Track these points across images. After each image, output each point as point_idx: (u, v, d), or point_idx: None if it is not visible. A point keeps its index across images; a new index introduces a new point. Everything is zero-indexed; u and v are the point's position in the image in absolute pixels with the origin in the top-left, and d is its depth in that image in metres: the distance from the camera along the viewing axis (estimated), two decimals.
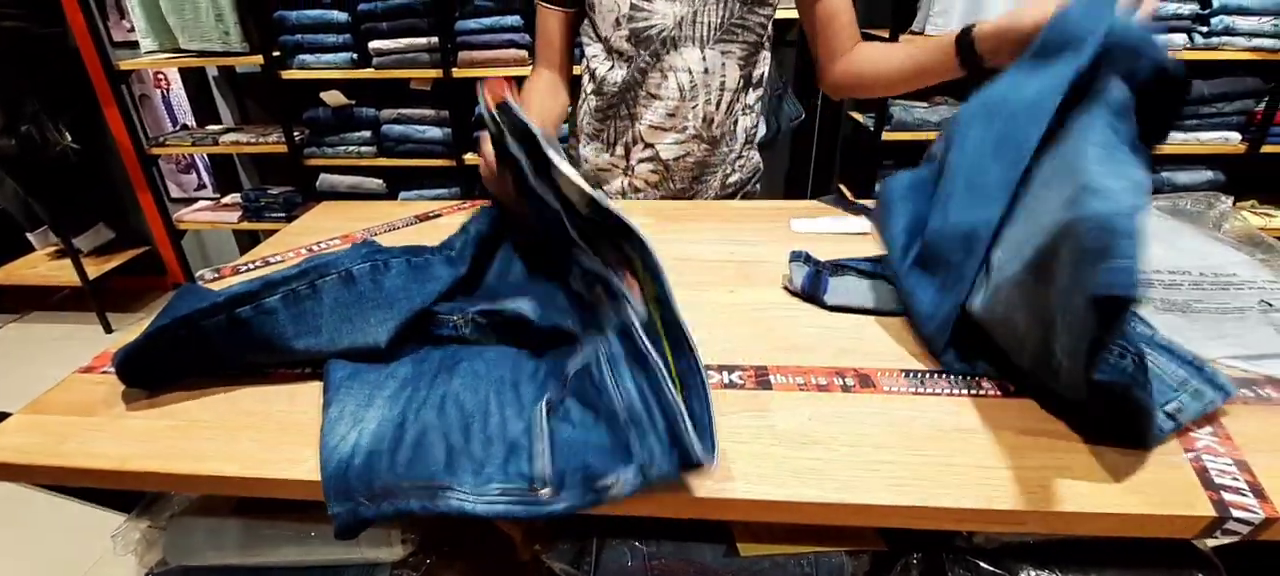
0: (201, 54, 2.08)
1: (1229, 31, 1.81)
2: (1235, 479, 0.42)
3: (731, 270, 0.73)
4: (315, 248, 0.83)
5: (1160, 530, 0.41)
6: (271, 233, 1.00)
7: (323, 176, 2.22)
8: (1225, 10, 1.79)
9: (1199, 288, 0.63)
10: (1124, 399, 0.42)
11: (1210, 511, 0.40)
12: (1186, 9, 1.80)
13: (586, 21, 0.93)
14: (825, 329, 0.60)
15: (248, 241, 2.70)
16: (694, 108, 0.91)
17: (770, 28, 0.91)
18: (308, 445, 0.47)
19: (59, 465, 0.47)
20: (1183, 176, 2.07)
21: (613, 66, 0.91)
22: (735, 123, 0.96)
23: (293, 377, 0.56)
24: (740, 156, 0.99)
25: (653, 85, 0.90)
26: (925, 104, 2.00)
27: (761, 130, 2.03)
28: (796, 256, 0.68)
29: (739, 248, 0.78)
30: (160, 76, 2.50)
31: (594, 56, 0.94)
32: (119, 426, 0.50)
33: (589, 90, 0.96)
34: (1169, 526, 0.41)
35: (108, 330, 2.55)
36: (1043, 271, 0.44)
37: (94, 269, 2.50)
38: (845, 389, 0.52)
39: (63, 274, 2.53)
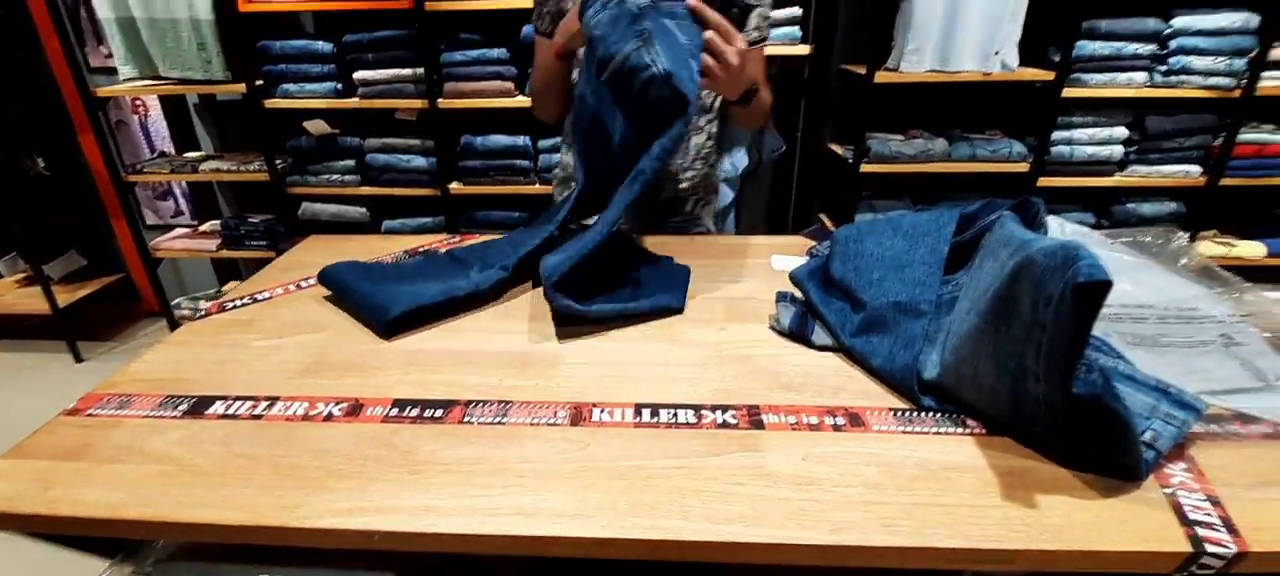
0: (182, 82, 2.06)
1: (1186, 71, 1.90)
2: (1208, 514, 0.44)
3: (719, 307, 0.74)
4: (302, 284, 0.83)
5: (1141, 566, 0.43)
6: (253, 260, 0.99)
7: (305, 205, 2.20)
8: (1182, 50, 1.88)
9: (1165, 321, 0.66)
10: (1100, 416, 0.44)
11: (1186, 547, 0.42)
12: (1146, 49, 1.90)
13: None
14: (813, 368, 0.62)
15: (226, 269, 2.66)
16: None
17: None
18: (304, 490, 0.47)
19: (46, 514, 0.46)
20: (1147, 207, 2.15)
21: None
22: (690, 138, 1.05)
23: (287, 420, 0.55)
24: (690, 168, 1.07)
25: None
26: (901, 137, 2.06)
27: (741, 161, 2.08)
28: (783, 297, 0.69)
29: (725, 285, 0.80)
30: (139, 103, 2.47)
31: (576, 78, 0.98)
32: (107, 472, 0.50)
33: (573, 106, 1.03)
34: (1149, 563, 0.43)
35: (78, 359, 2.47)
36: (1002, 314, 0.47)
37: (65, 297, 2.44)
38: (836, 428, 0.53)
39: (32, 302, 2.47)
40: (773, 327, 0.68)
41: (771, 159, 2.23)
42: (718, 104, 1.07)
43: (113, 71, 2.37)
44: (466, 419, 0.55)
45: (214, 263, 2.67)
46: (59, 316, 2.40)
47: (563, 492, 0.47)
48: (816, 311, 0.67)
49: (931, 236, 0.64)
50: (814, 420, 0.54)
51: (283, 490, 0.47)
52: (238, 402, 0.58)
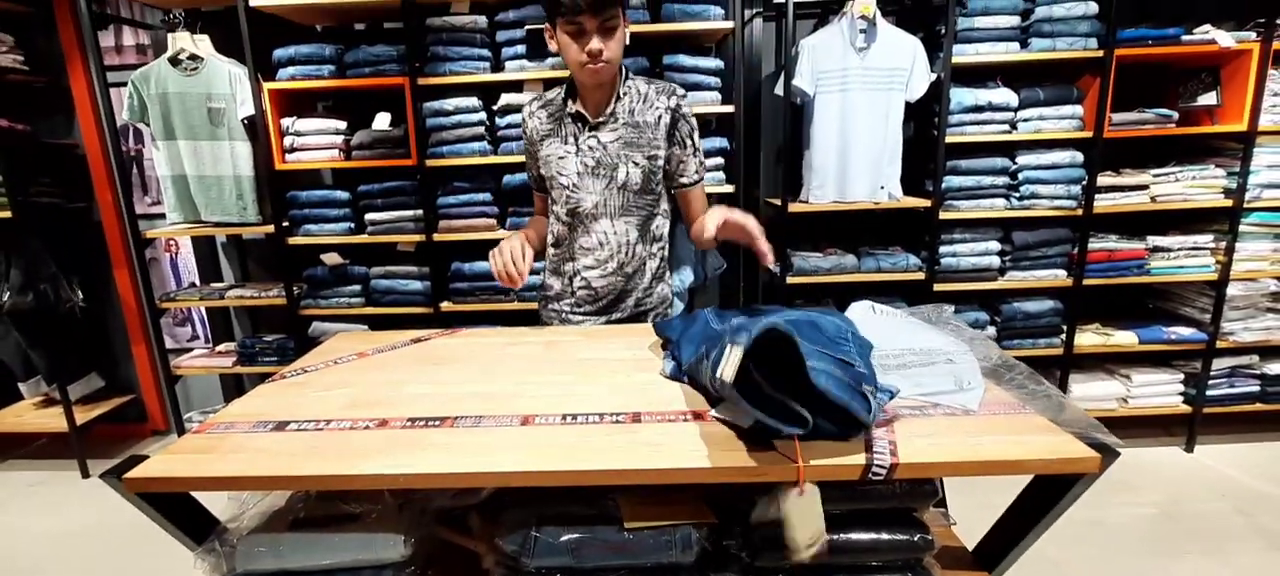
0: (219, 225, 2.47)
1: (1035, 195, 2.39)
2: (883, 448, 0.76)
3: (630, 365, 1.08)
4: (338, 361, 1.15)
5: (841, 474, 0.74)
6: (259, 375, 1.24)
7: (314, 324, 2.54)
8: (1028, 181, 2.38)
9: (917, 357, 1.00)
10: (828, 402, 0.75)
11: (862, 462, 0.74)
12: (1001, 181, 2.40)
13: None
14: (678, 395, 0.95)
15: (232, 386, 2.93)
16: (611, 254, 1.36)
17: (663, 203, 1.39)
18: (357, 460, 0.78)
19: (201, 476, 0.76)
20: (1031, 305, 2.55)
21: (561, 227, 1.39)
22: (643, 264, 1.40)
23: (340, 430, 0.86)
24: (649, 288, 1.42)
25: (583, 241, 1.37)
26: (820, 253, 2.50)
27: (687, 277, 2.49)
28: (666, 356, 1.04)
29: (638, 354, 1.14)
30: (171, 242, 2.87)
31: (551, 221, 1.41)
32: (231, 458, 0.80)
33: (550, 242, 1.44)
34: (845, 471, 0.74)
35: (85, 475, 2.66)
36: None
37: (81, 415, 2.68)
38: (685, 420, 0.85)
39: (46, 420, 2.70)
40: (661, 375, 1.02)
41: (715, 275, 2.64)
42: (664, 233, 1.44)
43: (153, 217, 2.79)
44: (455, 425, 0.87)
45: (222, 381, 2.95)
46: (76, 434, 2.62)
47: (516, 453, 0.78)
48: (680, 362, 1.00)
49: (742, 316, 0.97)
50: (672, 417, 0.86)
51: (343, 460, 0.78)
52: (306, 423, 0.89)
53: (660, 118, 1.34)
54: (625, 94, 1.34)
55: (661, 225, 1.41)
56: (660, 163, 1.34)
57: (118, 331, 2.95)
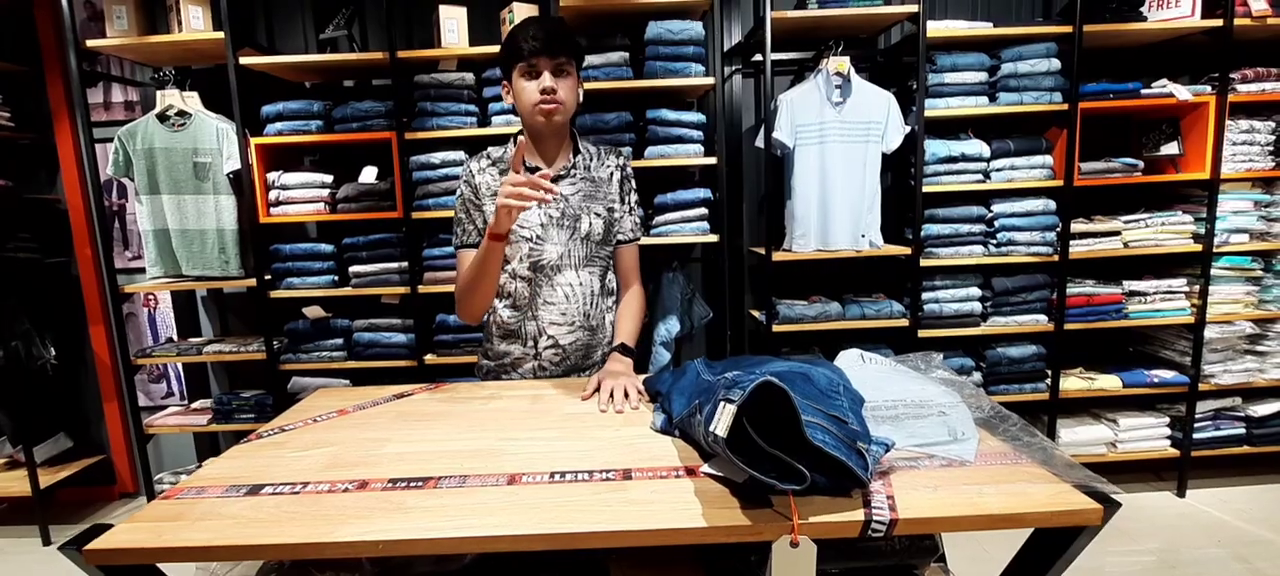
0: (200, 279, 2.43)
1: (1012, 243, 2.44)
2: (882, 503, 0.74)
3: (618, 419, 1.06)
4: (317, 419, 1.12)
5: (839, 532, 0.72)
6: (235, 433, 1.20)
7: (294, 379, 2.48)
8: (1005, 228, 2.43)
9: (908, 408, 0.99)
10: (826, 458, 0.74)
11: (861, 518, 0.72)
12: (978, 228, 2.45)
13: None
14: (669, 450, 0.93)
15: (206, 445, 2.83)
16: (578, 307, 1.36)
17: (611, 259, 1.43)
18: (333, 525, 0.74)
19: (168, 546, 0.72)
20: (1015, 350, 2.57)
21: (517, 284, 1.35)
22: (603, 317, 1.41)
23: (317, 493, 0.83)
24: (611, 340, 1.42)
25: (547, 294, 1.36)
26: (805, 302, 2.51)
27: (674, 327, 2.47)
28: (657, 408, 1.02)
29: (625, 407, 1.12)
30: (150, 297, 2.82)
31: (503, 280, 1.38)
32: (200, 525, 0.76)
33: (501, 304, 1.40)
34: (844, 529, 0.72)
35: (46, 542, 2.53)
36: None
37: (46, 478, 2.56)
38: (677, 476, 0.83)
39: (9, 484, 2.57)
40: (651, 428, 1.00)
41: (701, 324, 2.64)
42: (615, 288, 1.44)
43: (133, 271, 2.75)
44: (438, 486, 0.84)
45: (196, 439, 2.85)
46: (38, 498, 2.50)
47: (501, 515, 0.75)
48: (671, 415, 0.99)
49: (734, 369, 0.97)
50: (664, 474, 0.84)
51: (319, 526, 0.74)
52: (282, 486, 0.85)
53: (612, 175, 1.41)
54: (581, 151, 1.40)
55: (613, 280, 1.44)
56: (616, 216, 1.41)
57: (90, 389, 2.86)
